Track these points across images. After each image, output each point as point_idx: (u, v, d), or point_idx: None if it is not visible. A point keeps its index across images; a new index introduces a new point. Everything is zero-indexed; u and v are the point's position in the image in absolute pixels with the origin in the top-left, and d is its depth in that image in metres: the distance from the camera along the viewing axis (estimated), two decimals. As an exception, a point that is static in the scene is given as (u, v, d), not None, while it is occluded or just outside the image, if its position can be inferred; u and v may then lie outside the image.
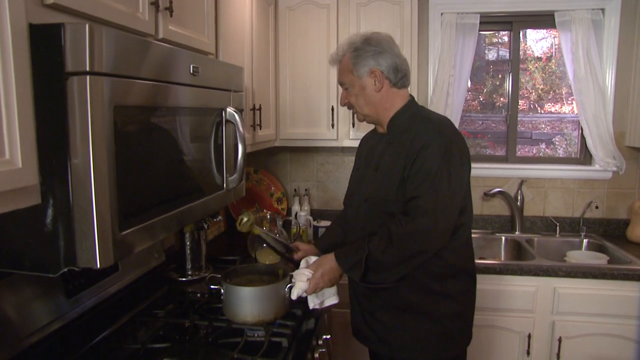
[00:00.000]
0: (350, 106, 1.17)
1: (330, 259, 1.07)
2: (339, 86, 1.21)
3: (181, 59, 0.89)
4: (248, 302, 1.05)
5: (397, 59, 1.11)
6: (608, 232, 2.02)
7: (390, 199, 1.08)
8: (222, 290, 1.08)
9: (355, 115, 1.22)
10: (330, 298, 1.11)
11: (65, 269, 0.69)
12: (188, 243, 1.35)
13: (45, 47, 0.63)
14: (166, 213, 0.85)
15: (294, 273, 1.08)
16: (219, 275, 1.13)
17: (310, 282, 1.05)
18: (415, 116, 1.13)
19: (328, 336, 1.21)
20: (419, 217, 1.01)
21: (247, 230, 1.15)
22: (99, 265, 0.69)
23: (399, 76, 1.12)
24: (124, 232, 0.73)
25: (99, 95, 0.66)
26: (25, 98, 0.62)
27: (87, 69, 0.64)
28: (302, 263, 1.12)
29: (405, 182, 1.05)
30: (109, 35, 0.67)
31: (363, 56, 1.10)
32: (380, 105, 1.13)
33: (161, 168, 0.85)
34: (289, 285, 1.07)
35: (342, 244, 1.26)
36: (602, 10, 1.92)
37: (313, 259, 1.11)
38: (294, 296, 1.05)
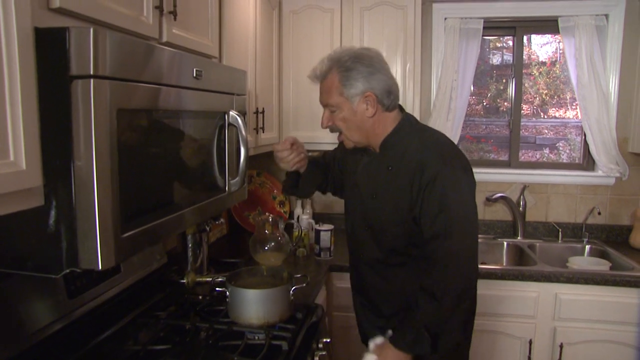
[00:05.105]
0: (334, 129, 1.06)
1: (389, 347, 1.00)
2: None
3: (184, 63, 0.89)
4: (254, 305, 1.06)
5: (390, 79, 1.01)
6: (610, 238, 2.01)
7: (399, 234, 1.04)
8: (227, 293, 1.08)
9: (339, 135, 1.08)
10: None
11: (68, 270, 0.70)
12: (190, 245, 1.35)
13: (50, 50, 0.64)
14: (168, 215, 0.86)
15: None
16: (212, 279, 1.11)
17: None
18: (410, 137, 1.03)
19: (328, 339, 1.20)
20: (450, 262, 0.96)
21: None
22: (100, 267, 0.69)
23: (391, 99, 1.02)
24: (125, 234, 0.73)
25: (102, 98, 0.66)
26: (30, 100, 0.62)
27: (92, 72, 0.64)
28: (371, 345, 1.06)
29: (419, 219, 0.99)
30: (113, 39, 0.68)
31: (355, 77, 0.98)
32: (371, 131, 1.03)
33: (163, 170, 0.86)
34: None
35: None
36: (606, 16, 1.91)
37: (379, 339, 1.05)
38: None
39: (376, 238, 1.09)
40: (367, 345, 1.21)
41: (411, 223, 1.02)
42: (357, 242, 1.15)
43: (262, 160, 2.15)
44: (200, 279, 1.30)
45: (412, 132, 1.05)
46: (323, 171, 1.26)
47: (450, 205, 0.96)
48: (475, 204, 1.01)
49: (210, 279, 1.27)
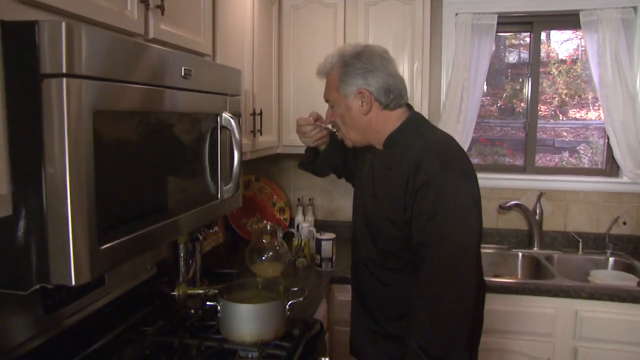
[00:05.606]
0: (336, 126, 1.08)
1: None
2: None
3: (171, 61, 0.83)
4: (246, 320, 1.00)
5: (390, 78, 1.00)
6: (638, 250, 1.87)
7: (393, 235, 1.00)
8: (218, 308, 1.02)
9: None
10: None
11: (37, 286, 0.64)
12: (182, 255, 1.29)
13: (18, 46, 0.59)
14: (152, 225, 0.80)
15: None
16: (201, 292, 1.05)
17: None
18: (414, 136, 1.00)
19: (327, 358, 1.13)
20: (442, 274, 0.90)
21: None
22: (73, 283, 0.64)
23: (391, 97, 1.00)
24: (103, 247, 0.67)
25: (77, 99, 0.61)
26: (-6, 101, 0.57)
27: (64, 70, 0.59)
28: None
29: (410, 222, 0.95)
30: (90, 34, 0.62)
31: (352, 73, 0.99)
32: (368, 128, 1.02)
33: (148, 177, 0.80)
34: None
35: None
36: (634, 8, 1.78)
37: None
38: None
39: (372, 237, 1.06)
40: (355, 356, 1.13)
41: (405, 225, 0.97)
42: (357, 241, 1.12)
43: (261, 165, 2.09)
44: (192, 291, 1.23)
45: (417, 131, 1.02)
46: (343, 154, 1.25)
47: (444, 212, 0.91)
48: (475, 211, 0.94)
49: (202, 292, 1.21)
